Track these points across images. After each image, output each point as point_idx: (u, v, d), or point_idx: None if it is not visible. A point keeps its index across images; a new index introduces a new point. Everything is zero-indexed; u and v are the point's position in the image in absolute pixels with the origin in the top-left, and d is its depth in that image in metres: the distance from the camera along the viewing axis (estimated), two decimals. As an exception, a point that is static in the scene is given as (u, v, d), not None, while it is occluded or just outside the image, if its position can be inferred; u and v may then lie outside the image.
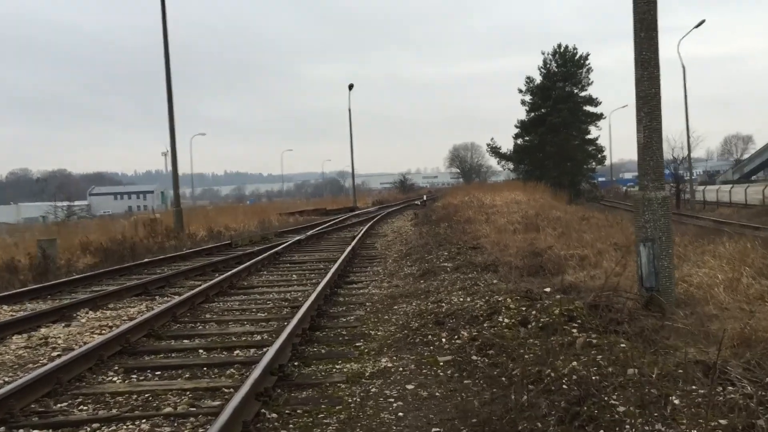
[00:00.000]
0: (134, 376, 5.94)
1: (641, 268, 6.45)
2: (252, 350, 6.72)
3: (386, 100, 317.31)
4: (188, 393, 5.32)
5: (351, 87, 54.14)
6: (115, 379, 5.88)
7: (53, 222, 34.57)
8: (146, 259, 15.71)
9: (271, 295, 10.21)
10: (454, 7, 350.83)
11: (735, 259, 8.12)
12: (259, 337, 7.30)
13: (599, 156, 55.20)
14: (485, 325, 6.37)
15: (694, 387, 3.90)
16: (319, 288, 9.34)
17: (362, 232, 20.92)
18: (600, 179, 73.42)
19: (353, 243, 16.89)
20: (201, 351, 6.77)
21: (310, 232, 22.01)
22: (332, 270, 11.45)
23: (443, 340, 6.26)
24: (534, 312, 6.21)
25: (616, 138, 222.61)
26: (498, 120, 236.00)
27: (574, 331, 5.55)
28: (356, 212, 40.03)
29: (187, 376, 5.85)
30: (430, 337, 6.51)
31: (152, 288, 11.21)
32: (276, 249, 16.24)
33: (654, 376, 3.96)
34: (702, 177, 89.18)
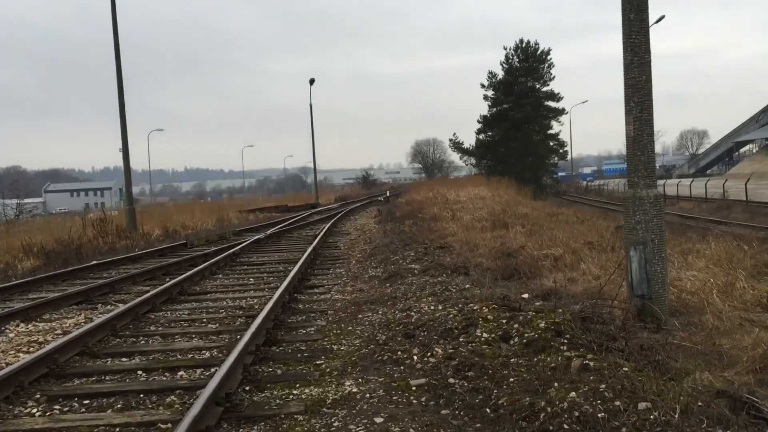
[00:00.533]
0: (57, 407, 5.10)
1: (632, 273, 5.85)
2: (198, 371, 5.93)
3: (348, 97, 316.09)
4: (117, 431, 4.52)
5: (312, 81, 53.16)
6: (34, 411, 5.03)
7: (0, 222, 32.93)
8: (94, 262, 14.68)
9: (225, 303, 9.39)
10: (412, 3, 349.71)
11: (723, 260, 7.61)
12: (207, 354, 6.51)
13: (561, 151, 55.30)
14: (461, 339, 5.69)
15: (722, 428, 3.27)
16: (278, 294, 8.57)
17: (324, 230, 20.13)
18: (560, 174, 73.72)
19: (315, 242, 16.11)
20: (140, 373, 5.96)
21: (270, 231, 21.13)
22: (292, 273, 10.67)
23: (414, 357, 5.56)
24: (516, 325, 5.55)
25: (575, 133, 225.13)
26: (460, 116, 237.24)
27: (564, 348, 4.90)
28: (318, 209, 39.13)
29: (119, 406, 5.04)
30: (399, 353, 5.80)
31: (95, 295, 10.28)
32: (233, 249, 15.37)
33: (676, 416, 3.32)
34: (659, 171, 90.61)
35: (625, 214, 6.03)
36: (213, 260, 13.32)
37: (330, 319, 7.94)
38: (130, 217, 22.61)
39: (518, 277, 8.73)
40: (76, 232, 18.61)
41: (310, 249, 14.41)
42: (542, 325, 5.34)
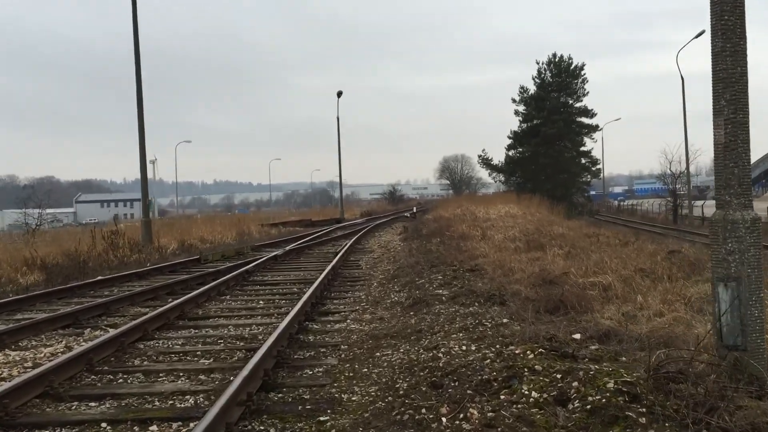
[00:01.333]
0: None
1: (720, 318, 4.59)
2: (174, 426, 4.81)
3: (376, 112, 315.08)
4: None
5: (340, 94, 52.33)
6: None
7: (23, 231, 32.38)
8: (99, 278, 13.75)
9: (226, 331, 8.28)
10: (443, 19, 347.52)
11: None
12: (191, 401, 5.38)
13: (594, 169, 53.62)
14: (502, 397, 4.48)
15: None
16: (285, 322, 7.43)
17: (346, 246, 19.02)
18: (592, 193, 71.79)
19: (335, 260, 14.98)
20: (104, 426, 4.85)
21: (289, 246, 20.09)
22: (306, 296, 9.55)
23: (443, 419, 4.35)
24: (575, 383, 4.31)
25: (607, 151, 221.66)
26: (489, 132, 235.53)
27: (644, 421, 3.68)
28: (343, 224, 38.10)
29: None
30: (423, 411, 4.60)
31: (85, 318, 9.26)
32: (248, 266, 14.33)
33: None
34: (692, 192, 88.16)
35: (712, 240, 4.77)
36: (223, 278, 12.27)
37: (343, 356, 6.77)
38: (145, 230, 21.76)
39: (564, 310, 7.47)
40: (87, 245, 17.75)
41: (329, 268, 13.29)
42: (610, 385, 4.11)
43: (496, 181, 67.69)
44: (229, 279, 12.47)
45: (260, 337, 7.65)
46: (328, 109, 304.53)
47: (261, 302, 10.58)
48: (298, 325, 8.13)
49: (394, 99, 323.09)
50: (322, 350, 7.12)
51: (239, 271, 13.55)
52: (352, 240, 22.02)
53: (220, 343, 7.58)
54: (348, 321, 8.79)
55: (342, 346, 7.21)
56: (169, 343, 7.68)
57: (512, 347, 5.58)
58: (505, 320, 7.09)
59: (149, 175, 25.57)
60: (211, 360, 6.76)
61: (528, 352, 5.34)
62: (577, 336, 6.00)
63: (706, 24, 4.82)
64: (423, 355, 6.09)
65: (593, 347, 5.56)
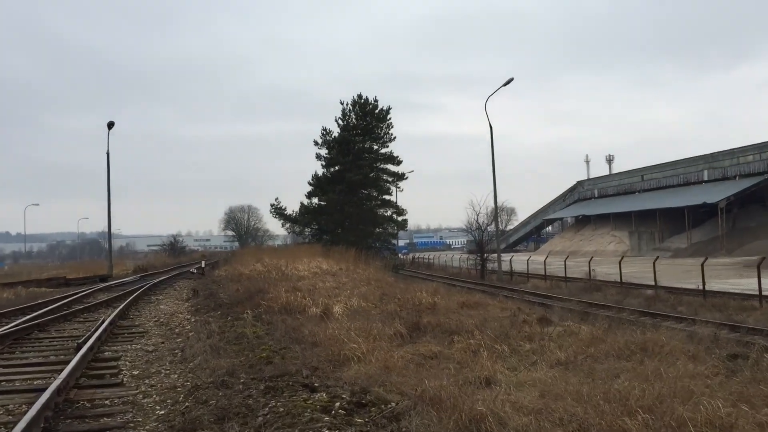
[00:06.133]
0: None
1: None
2: None
3: (152, 159, 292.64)
4: None
5: (111, 125, 43.39)
6: None
7: None
8: None
9: None
10: (212, 68, 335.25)
11: None
12: None
13: (400, 219, 50.18)
14: None
15: None
16: None
17: (104, 325, 11.92)
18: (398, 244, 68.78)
19: (74, 362, 8.04)
20: None
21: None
22: None
23: None
24: None
25: (410, 204, 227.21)
26: (280, 183, 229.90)
27: None
28: (109, 283, 29.59)
29: None
30: None
31: None
32: None
33: None
34: (469, 246, 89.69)
35: None
36: None
37: None
38: None
39: None
40: None
41: (52, 389, 6.42)
42: None
43: (289, 232, 62.24)
44: None
45: None
46: (93, 151, 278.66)
47: None
48: None
49: (172, 147, 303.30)
50: None
51: None
52: (116, 312, 14.78)
53: None
54: None
55: None
56: None
57: None
58: None
59: None
60: None
61: None
62: None
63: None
64: None
65: None
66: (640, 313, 18.20)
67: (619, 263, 30.68)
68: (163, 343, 10.84)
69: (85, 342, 10.19)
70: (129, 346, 10.70)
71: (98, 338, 10.78)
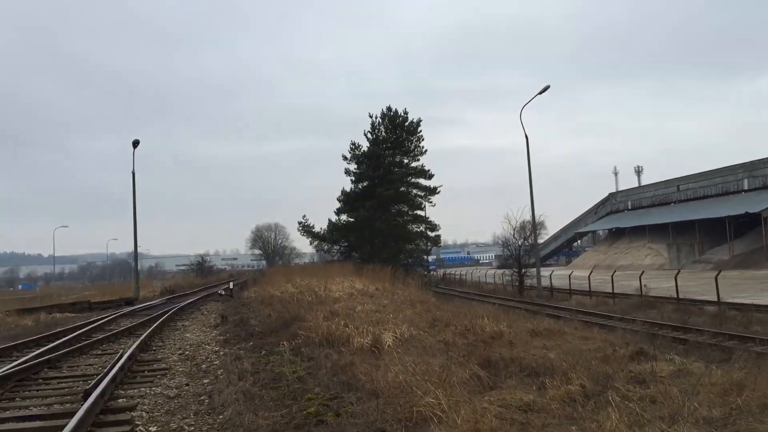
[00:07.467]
0: None
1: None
2: None
3: (177, 179, 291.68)
4: None
5: (136, 143, 42.55)
6: None
7: None
8: None
9: None
10: (234, 86, 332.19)
11: None
12: None
13: (432, 235, 48.36)
14: None
15: None
16: None
17: (120, 362, 10.36)
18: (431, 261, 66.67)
19: (74, 421, 6.47)
20: None
21: None
22: None
23: None
24: None
25: (442, 219, 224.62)
26: (306, 201, 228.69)
27: None
28: (134, 307, 28.22)
29: None
30: None
31: None
32: None
33: None
34: (500, 261, 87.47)
35: None
36: None
37: None
38: None
39: None
40: None
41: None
42: None
43: (318, 251, 60.85)
44: None
45: None
46: (119, 175, 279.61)
47: None
48: None
49: (193, 166, 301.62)
50: None
51: None
52: (139, 341, 13.29)
53: None
54: None
55: None
56: None
57: None
58: None
59: None
60: None
61: None
62: None
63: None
64: None
65: None
66: (728, 337, 16.17)
67: (675, 278, 28.56)
68: (187, 385, 9.21)
69: (96, 386, 8.64)
70: (148, 390, 9.09)
71: (112, 379, 9.22)
